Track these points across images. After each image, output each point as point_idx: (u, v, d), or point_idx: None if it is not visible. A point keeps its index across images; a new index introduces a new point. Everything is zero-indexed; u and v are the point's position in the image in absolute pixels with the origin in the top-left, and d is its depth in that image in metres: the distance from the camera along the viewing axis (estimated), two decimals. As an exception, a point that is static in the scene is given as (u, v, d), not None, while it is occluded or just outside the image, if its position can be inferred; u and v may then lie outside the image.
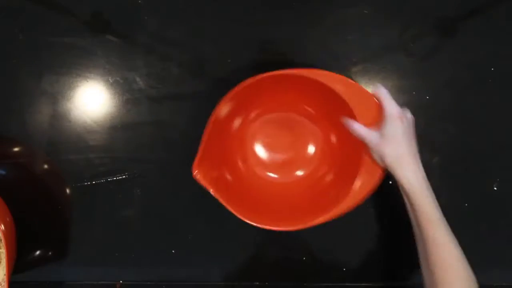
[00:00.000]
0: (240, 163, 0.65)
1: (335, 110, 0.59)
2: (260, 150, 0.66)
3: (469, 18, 0.66)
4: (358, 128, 0.56)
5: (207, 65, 0.66)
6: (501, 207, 0.66)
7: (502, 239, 0.67)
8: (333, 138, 0.64)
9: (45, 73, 0.66)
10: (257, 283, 0.67)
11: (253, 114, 0.65)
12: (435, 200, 0.53)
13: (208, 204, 0.66)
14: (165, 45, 0.66)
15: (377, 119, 0.56)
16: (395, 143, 0.54)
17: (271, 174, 0.66)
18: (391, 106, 0.55)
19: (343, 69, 0.65)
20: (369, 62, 0.66)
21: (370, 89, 0.57)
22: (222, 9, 0.66)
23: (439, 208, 0.53)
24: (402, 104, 0.66)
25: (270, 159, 0.66)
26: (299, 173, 0.65)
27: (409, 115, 0.56)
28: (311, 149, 0.65)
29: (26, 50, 0.66)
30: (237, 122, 0.64)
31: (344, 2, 0.66)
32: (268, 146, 0.66)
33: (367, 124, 0.56)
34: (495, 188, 0.66)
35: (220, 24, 0.66)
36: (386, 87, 0.66)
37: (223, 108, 0.58)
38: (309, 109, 0.64)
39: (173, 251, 0.67)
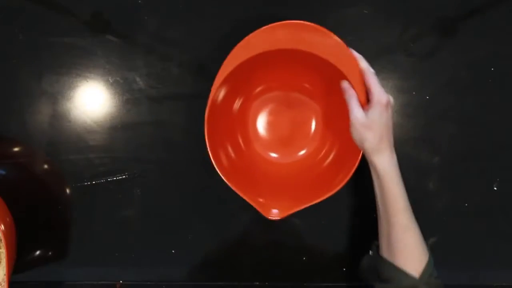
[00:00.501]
0: (242, 144, 0.66)
1: (332, 83, 0.59)
2: (262, 130, 0.66)
3: (469, 18, 0.66)
4: (353, 98, 0.56)
5: (207, 65, 0.66)
6: (501, 207, 0.67)
7: (502, 239, 0.67)
8: (334, 116, 0.64)
9: (45, 73, 0.66)
10: (257, 283, 0.67)
11: (253, 94, 0.65)
12: (404, 188, 0.55)
13: (208, 204, 0.66)
14: (165, 45, 0.66)
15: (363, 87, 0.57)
16: (378, 130, 0.54)
17: (273, 154, 0.66)
18: (380, 92, 0.55)
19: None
20: (369, 62, 0.66)
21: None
22: (222, 9, 0.66)
23: (406, 195, 0.55)
24: (402, 104, 0.67)
25: (271, 138, 0.66)
26: (301, 152, 0.66)
27: (391, 100, 0.56)
28: (312, 127, 0.66)
29: (26, 50, 0.66)
30: (237, 103, 0.65)
31: (344, 2, 0.66)
32: (269, 126, 0.66)
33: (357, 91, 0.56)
34: (495, 188, 0.66)
35: (220, 24, 0.66)
36: (386, 87, 0.67)
37: (219, 90, 0.58)
38: (308, 85, 0.64)
39: (173, 251, 0.67)
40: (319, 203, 0.58)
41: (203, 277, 0.67)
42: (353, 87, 0.56)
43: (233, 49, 0.55)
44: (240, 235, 0.67)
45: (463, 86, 0.66)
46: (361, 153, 0.57)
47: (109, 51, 0.66)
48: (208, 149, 0.57)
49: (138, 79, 0.66)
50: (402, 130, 0.66)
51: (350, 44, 0.66)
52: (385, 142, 0.55)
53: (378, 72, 0.66)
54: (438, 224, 0.66)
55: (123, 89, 0.66)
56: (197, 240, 0.67)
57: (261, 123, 0.66)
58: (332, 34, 0.55)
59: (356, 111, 0.55)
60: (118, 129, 0.66)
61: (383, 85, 0.66)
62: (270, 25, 0.55)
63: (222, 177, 0.57)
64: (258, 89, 0.65)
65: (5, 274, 0.57)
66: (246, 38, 0.55)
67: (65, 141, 0.66)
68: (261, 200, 0.59)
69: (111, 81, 0.66)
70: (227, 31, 0.66)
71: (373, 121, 0.54)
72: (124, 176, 0.66)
